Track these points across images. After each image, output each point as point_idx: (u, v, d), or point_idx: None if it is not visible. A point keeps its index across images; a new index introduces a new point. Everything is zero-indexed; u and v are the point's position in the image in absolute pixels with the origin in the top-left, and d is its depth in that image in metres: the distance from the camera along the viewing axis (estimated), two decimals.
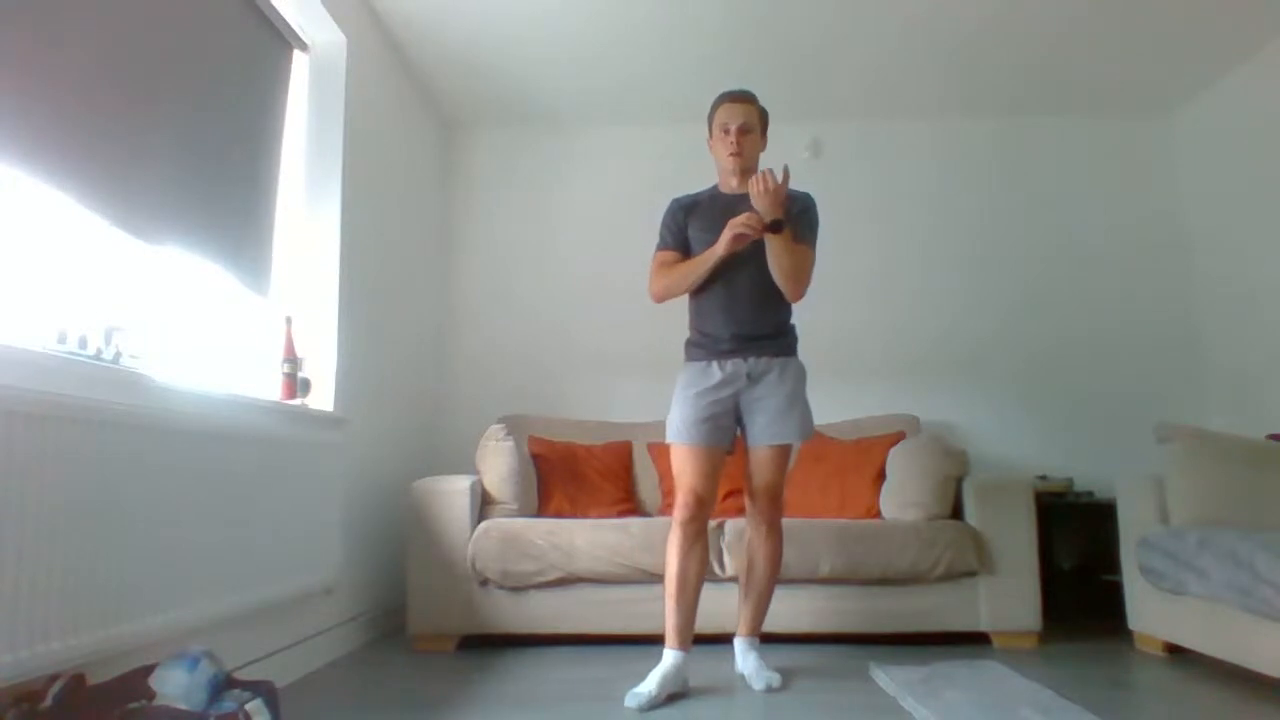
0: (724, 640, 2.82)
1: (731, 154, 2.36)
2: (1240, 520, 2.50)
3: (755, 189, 2.17)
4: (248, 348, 2.57)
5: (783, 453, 2.35)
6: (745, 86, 2.52)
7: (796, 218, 2.31)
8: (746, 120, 2.38)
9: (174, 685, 1.49)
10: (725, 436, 2.33)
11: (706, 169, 4.60)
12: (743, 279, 2.33)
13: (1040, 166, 4.05)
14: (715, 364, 2.35)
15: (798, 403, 2.34)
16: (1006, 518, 2.89)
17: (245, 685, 1.63)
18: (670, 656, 2.24)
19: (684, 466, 2.29)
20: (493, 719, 2.03)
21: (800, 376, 2.40)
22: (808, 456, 3.44)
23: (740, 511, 3.23)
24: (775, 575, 2.43)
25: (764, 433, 2.32)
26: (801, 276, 2.33)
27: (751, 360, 2.34)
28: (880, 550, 2.80)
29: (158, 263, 2.13)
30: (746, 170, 2.37)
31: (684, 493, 2.28)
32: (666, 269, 2.42)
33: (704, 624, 2.81)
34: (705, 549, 2.34)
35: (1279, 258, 3.43)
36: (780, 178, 2.17)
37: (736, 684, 2.37)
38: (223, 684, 1.57)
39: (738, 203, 2.28)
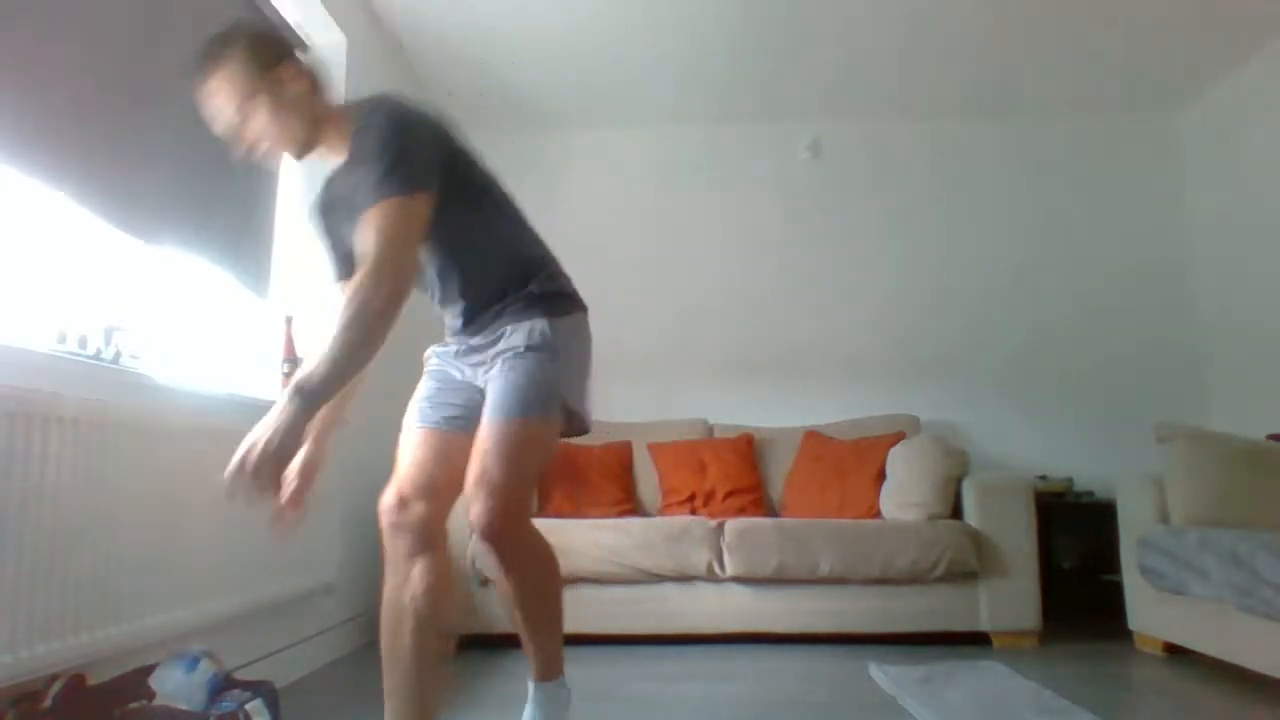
0: (725, 641, 2.83)
1: (267, 150, 1.50)
2: (1240, 520, 2.50)
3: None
4: (248, 348, 2.57)
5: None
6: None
7: (360, 177, 1.41)
8: (236, 99, 1.43)
9: (174, 685, 1.49)
10: None
11: (706, 169, 4.58)
12: None
13: (1040, 166, 4.04)
14: None
15: None
16: (1006, 518, 2.89)
17: (245, 685, 1.63)
18: None
19: (547, 458, 1.67)
20: (493, 719, 2.03)
21: None
22: (808, 456, 3.45)
23: (740, 511, 3.24)
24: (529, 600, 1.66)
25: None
26: (378, 313, 1.35)
27: None
28: (880, 550, 2.80)
29: (158, 263, 2.13)
30: (303, 139, 1.52)
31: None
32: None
33: (703, 624, 2.82)
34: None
35: (1278, 258, 3.42)
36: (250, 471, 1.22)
37: (736, 685, 2.36)
38: (223, 684, 1.57)
39: (340, 179, 1.56)
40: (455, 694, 2.26)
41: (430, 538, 1.53)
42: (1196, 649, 2.45)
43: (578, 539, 2.83)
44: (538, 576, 1.62)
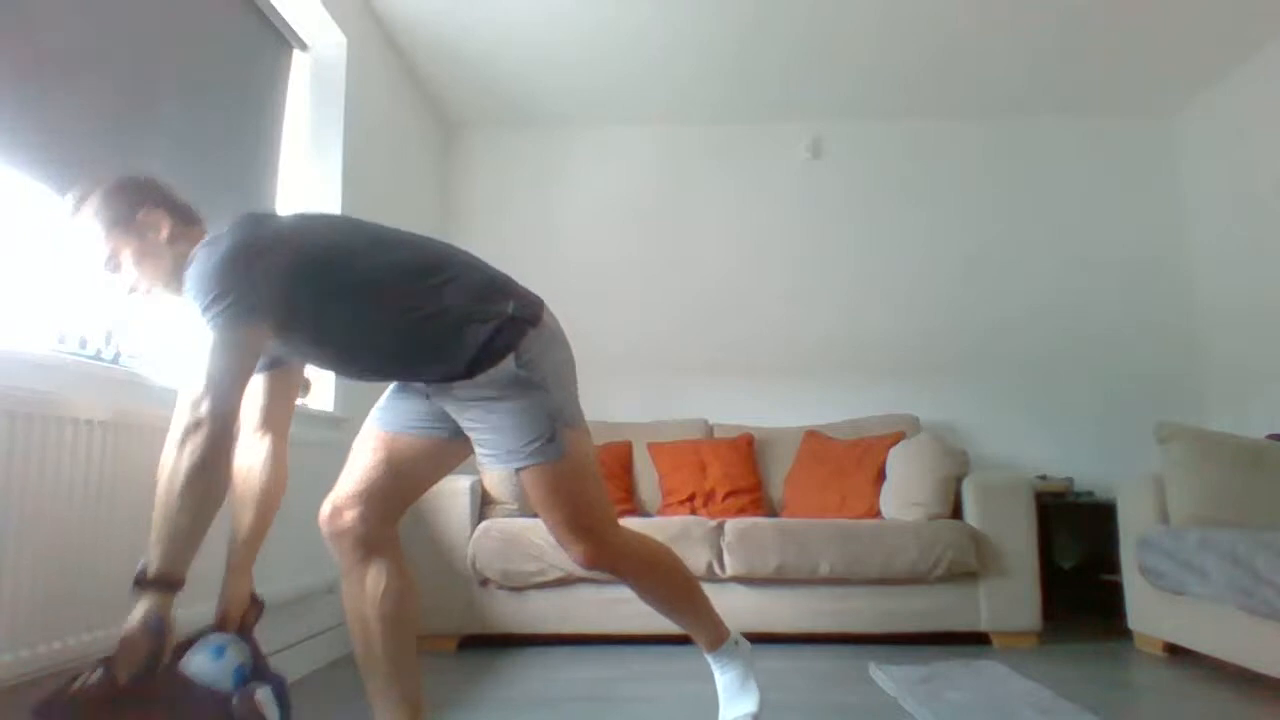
0: None
1: (141, 296, 1.48)
2: (1240, 520, 2.50)
3: None
4: None
5: None
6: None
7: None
8: (107, 245, 1.44)
9: (201, 669, 1.47)
10: None
11: (706, 169, 4.57)
12: None
13: (1040, 167, 4.04)
14: None
15: None
16: (1006, 518, 2.89)
17: (266, 677, 1.61)
18: None
19: (593, 467, 1.61)
20: (493, 719, 2.03)
21: None
22: (808, 456, 3.45)
23: (740, 511, 3.24)
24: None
25: None
26: (191, 481, 1.26)
27: None
28: (880, 550, 2.80)
29: None
30: (178, 281, 1.42)
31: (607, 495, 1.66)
32: None
33: None
34: None
35: (1279, 258, 3.43)
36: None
37: None
38: (249, 673, 1.55)
39: None
40: (456, 694, 2.26)
41: (374, 542, 1.50)
42: (1196, 649, 2.45)
43: None
44: (651, 575, 1.65)
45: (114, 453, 1.59)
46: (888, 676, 2.33)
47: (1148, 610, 2.69)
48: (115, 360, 1.80)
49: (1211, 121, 3.81)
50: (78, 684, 1.23)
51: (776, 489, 3.47)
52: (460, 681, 2.40)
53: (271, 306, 1.33)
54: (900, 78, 3.71)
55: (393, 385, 1.58)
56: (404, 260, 1.45)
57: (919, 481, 2.99)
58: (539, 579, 2.80)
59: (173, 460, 1.25)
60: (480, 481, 3.00)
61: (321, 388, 2.75)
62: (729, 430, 3.62)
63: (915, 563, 2.79)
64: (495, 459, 1.45)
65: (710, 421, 3.68)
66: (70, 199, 1.45)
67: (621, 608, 2.82)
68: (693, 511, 3.23)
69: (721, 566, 2.82)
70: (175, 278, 1.44)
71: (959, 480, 3.01)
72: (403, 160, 3.60)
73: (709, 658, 1.77)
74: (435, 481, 1.61)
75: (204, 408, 1.25)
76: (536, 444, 1.42)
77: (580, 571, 2.79)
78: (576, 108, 3.96)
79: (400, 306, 1.39)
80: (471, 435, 1.47)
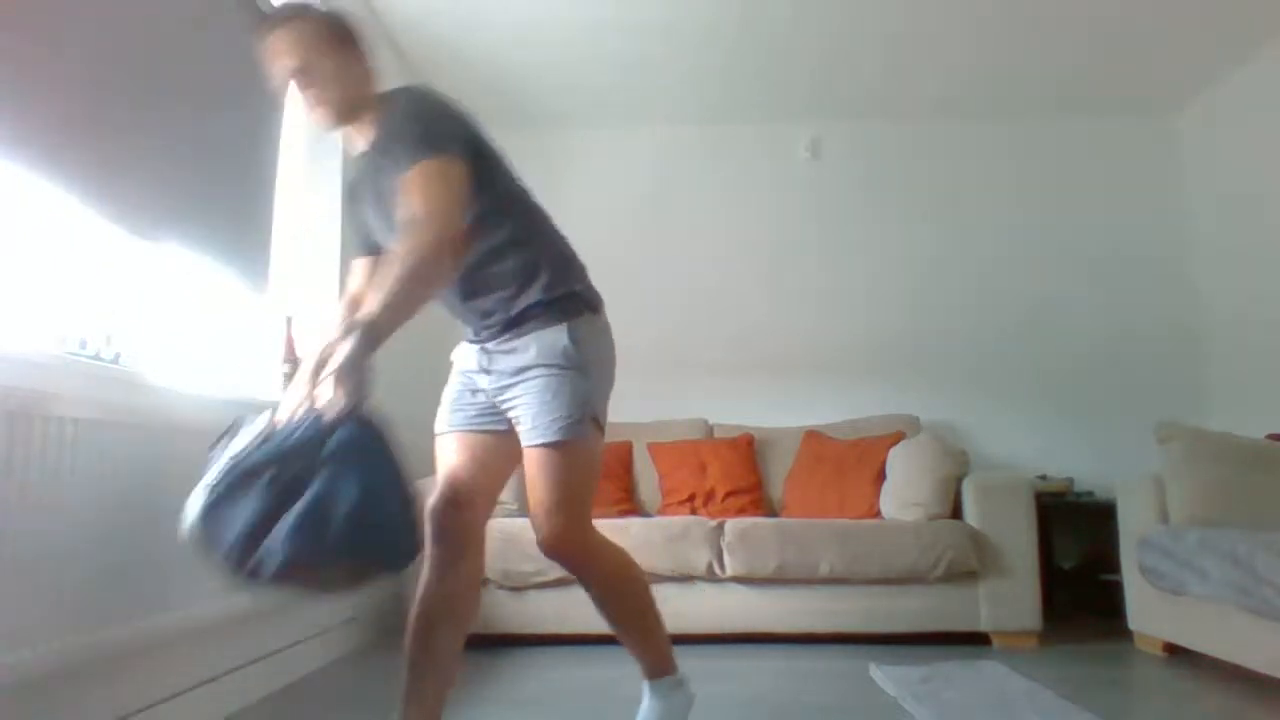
0: (725, 641, 2.83)
1: (312, 107, 1.57)
2: (1240, 520, 2.50)
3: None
4: (248, 348, 2.57)
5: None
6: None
7: (394, 151, 1.46)
8: (305, 52, 1.52)
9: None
10: None
11: (706, 169, 4.58)
12: None
13: (1040, 166, 4.04)
14: None
15: None
16: (1006, 518, 2.89)
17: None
18: None
19: (598, 473, 1.72)
20: (493, 719, 2.03)
21: None
22: (808, 456, 3.45)
23: (740, 511, 3.24)
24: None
25: None
26: (413, 271, 1.35)
27: None
28: (880, 550, 2.80)
29: (157, 263, 2.13)
30: (347, 111, 1.57)
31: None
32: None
33: (703, 624, 2.82)
34: None
35: (1279, 258, 3.43)
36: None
37: (736, 685, 2.36)
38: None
39: (364, 164, 1.63)
40: (456, 694, 2.26)
41: (474, 540, 1.58)
42: (1196, 649, 2.45)
43: None
44: (611, 584, 1.65)
45: (114, 453, 1.59)
46: (888, 676, 2.33)
47: (1148, 610, 2.69)
48: (115, 360, 1.80)
49: (1212, 121, 3.81)
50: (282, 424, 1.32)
51: (776, 489, 3.47)
52: (460, 681, 2.40)
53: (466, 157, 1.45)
54: (900, 78, 3.71)
55: (451, 392, 1.70)
56: (537, 209, 1.67)
57: (919, 481, 2.99)
58: (539, 579, 2.80)
59: (425, 251, 1.35)
60: None
61: (321, 388, 2.75)
62: (729, 430, 3.61)
63: (915, 563, 2.79)
64: (525, 435, 1.53)
65: (710, 421, 3.68)
66: (278, 16, 1.57)
67: None
68: (693, 511, 3.23)
69: (721, 566, 2.82)
70: (342, 110, 1.56)
71: (959, 480, 3.01)
72: None
73: (646, 684, 1.73)
74: (507, 476, 1.68)
75: (432, 220, 1.35)
76: (563, 421, 1.50)
77: None
78: (576, 108, 3.96)
79: (532, 241, 1.59)
80: (510, 414, 1.57)
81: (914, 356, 3.92)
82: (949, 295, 3.96)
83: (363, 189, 1.63)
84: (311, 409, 1.32)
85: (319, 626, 2.59)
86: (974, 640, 2.84)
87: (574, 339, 1.55)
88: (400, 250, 1.36)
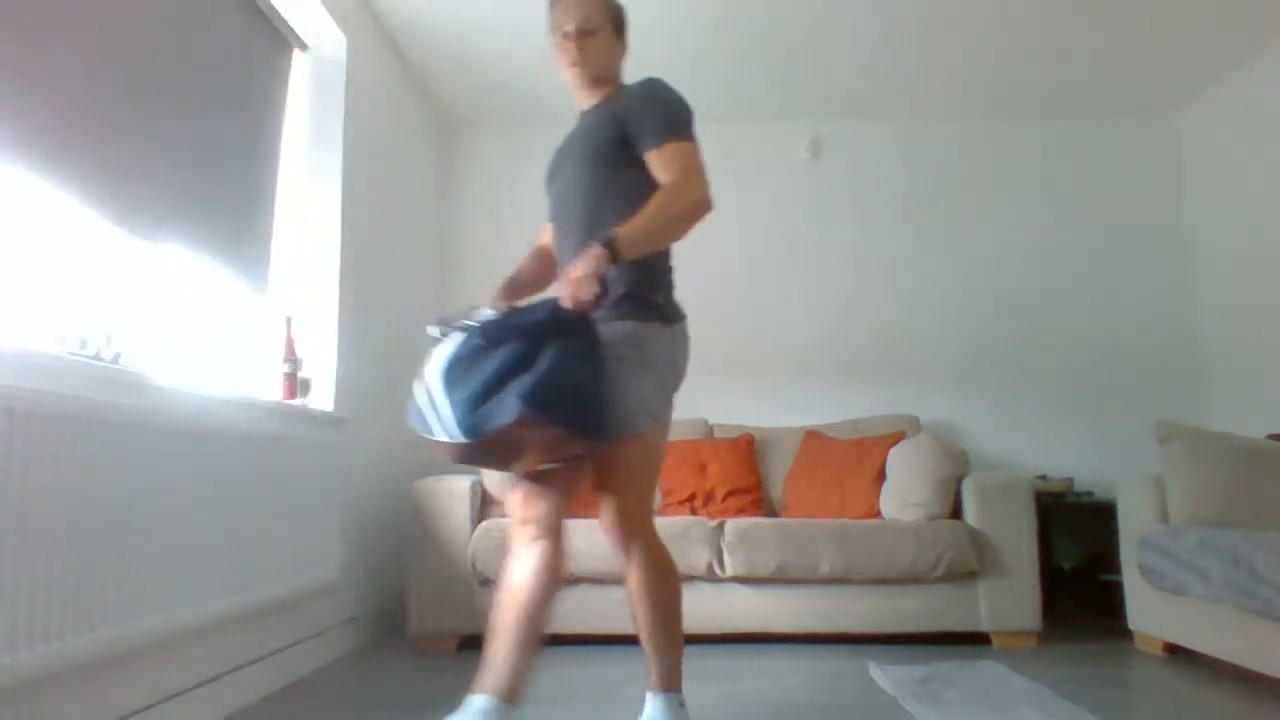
0: (725, 641, 2.83)
1: (572, 64, 1.82)
2: (1240, 520, 2.50)
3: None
4: (248, 348, 2.57)
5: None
6: (756, 94, 2.44)
7: (636, 117, 1.73)
8: (586, 17, 1.81)
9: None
10: None
11: (706, 168, 4.55)
12: None
13: (1040, 166, 4.04)
14: None
15: None
16: (1006, 518, 2.89)
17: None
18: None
19: (658, 469, 1.82)
20: None
21: None
22: (808, 456, 3.45)
23: (740, 511, 3.24)
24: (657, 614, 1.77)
25: None
26: (678, 215, 1.63)
27: None
28: (880, 550, 2.80)
29: (158, 263, 2.13)
30: (599, 79, 1.84)
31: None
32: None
33: (703, 624, 2.82)
34: None
35: (1279, 258, 3.43)
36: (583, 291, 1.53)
37: (736, 684, 2.36)
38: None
39: (584, 122, 1.87)
40: (456, 694, 2.26)
41: (554, 528, 1.69)
42: (1196, 649, 2.45)
43: (578, 538, 2.80)
44: (648, 577, 1.73)
45: (114, 453, 1.59)
46: (888, 676, 2.33)
47: (1147, 610, 2.69)
48: (115, 360, 1.80)
49: (1213, 120, 3.81)
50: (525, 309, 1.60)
51: (776, 489, 3.47)
52: (460, 681, 2.39)
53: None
54: (900, 78, 3.71)
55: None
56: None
57: (919, 481, 2.99)
58: None
59: (680, 207, 1.62)
60: (480, 482, 3.00)
61: (321, 388, 2.75)
62: (729, 430, 3.61)
63: (915, 563, 2.79)
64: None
65: (710, 421, 3.68)
66: None
67: (622, 608, 2.81)
68: (693, 511, 3.23)
69: (721, 566, 2.82)
70: (599, 76, 1.84)
71: (959, 480, 3.01)
72: (403, 160, 3.60)
73: (650, 692, 1.79)
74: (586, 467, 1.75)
75: (699, 186, 1.64)
76: (622, 418, 1.63)
77: (579, 571, 2.79)
78: (576, 107, 3.95)
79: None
80: None
81: (915, 357, 3.92)
82: (949, 295, 3.96)
83: (571, 142, 1.89)
84: (551, 299, 1.57)
85: (319, 626, 2.59)
86: (974, 640, 2.84)
87: (642, 335, 1.71)
88: (665, 190, 1.62)
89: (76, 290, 1.85)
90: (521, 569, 1.61)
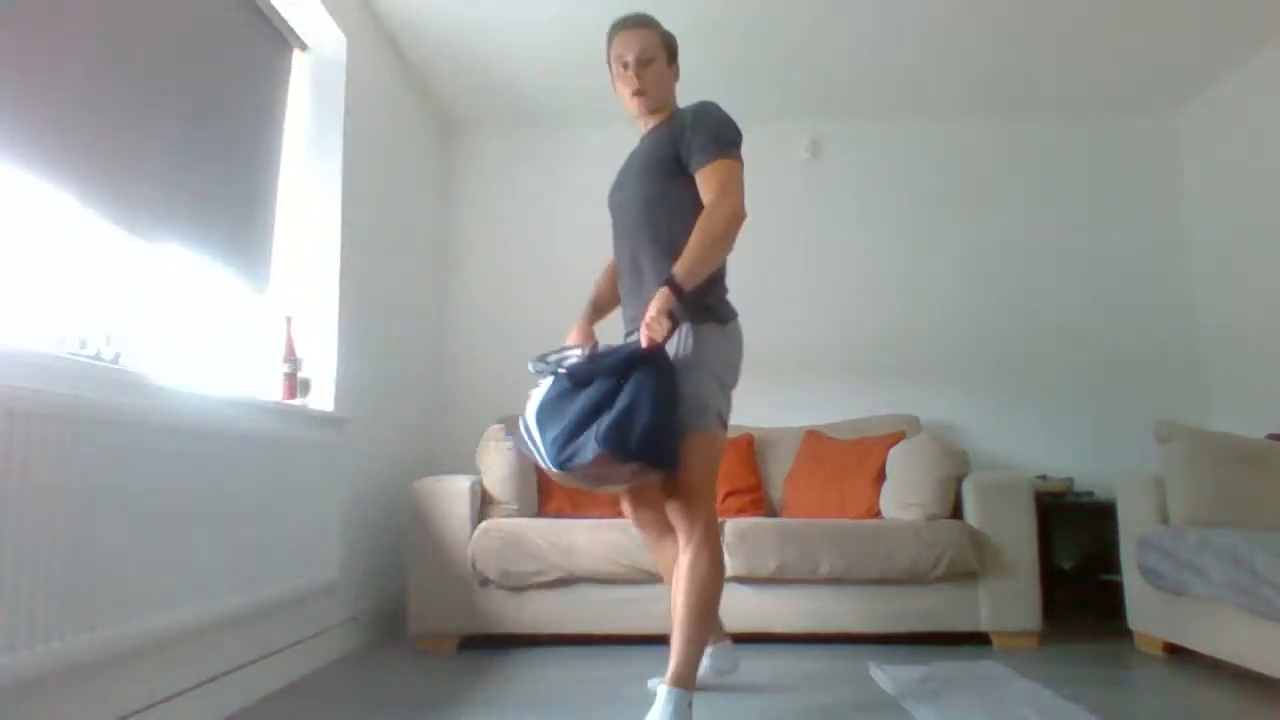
0: None
1: (634, 93, 2.01)
2: (1240, 520, 2.50)
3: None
4: (247, 348, 2.57)
5: None
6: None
7: (687, 138, 1.92)
8: (644, 49, 2.00)
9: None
10: None
11: None
12: None
13: (1040, 166, 4.04)
14: None
15: None
16: (1006, 518, 2.89)
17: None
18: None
19: (719, 463, 1.97)
20: (493, 719, 2.03)
21: None
22: (808, 456, 3.45)
23: (741, 511, 3.24)
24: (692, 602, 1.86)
25: None
26: (719, 233, 1.83)
27: None
28: (880, 550, 2.80)
29: (158, 263, 2.13)
30: (658, 109, 2.05)
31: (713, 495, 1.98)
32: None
33: None
34: None
35: (1279, 258, 3.43)
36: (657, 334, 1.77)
37: (735, 685, 2.36)
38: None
39: (643, 144, 2.07)
40: (456, 694, 2.25)
41: (664, 526, 2.03)
42: (1196, 649, 2.45)
43: (579, 538, 2.83)
44: (696, 568, 1.85)
45: (114, 453, 1.59)
46: (888, 676, 2.34)
47: (1147, 610, 2.69)
48: (115, 360, 1.80)
49: (1212, 120, 3.81)
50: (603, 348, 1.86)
51: (776, 489, 3.47)
52: (460, 681, 2.40)
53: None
54: (900, 78, 3.71)
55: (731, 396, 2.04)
56: None
57: (919, 481, 2.99)
58: (539, 579, 2.80)
59: (729, 218, 1.83)
60: (480, 481, 3.00)
61: (321, 388, 2.75)
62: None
63: (915, 563, 2.79)
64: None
65: None
66: (646, 16, 2.07)
67: (621, 608, 2.83)
68: None
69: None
70: (655, 104, 2.05)
71: (959, 480, 3.01)
72: (403, 160, 3.60)
73: (662, 686, 1.82)
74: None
75: (733, 200, 1.84)
76: (686, 418, 1.83)
77: (580, 571, 2.79)
78: (576, 107, 3.96)
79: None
80: None
81: (914, 356, 3.92)
82: (949, 295, 3.96)
83: (631, 162, 2.11)
84: (631, 343, 1.82)
85: (319, 626, 2.59)
86: (974, 640, 2.84)
87: (697, 337, 1.88)
88: (705, 212, 1.83)
89: (76, 290, 1.85)
90: (669, 569, 1.99)
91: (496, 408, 3.77)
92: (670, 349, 1.84)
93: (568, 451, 1.68)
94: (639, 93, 2.00)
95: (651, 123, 2.06)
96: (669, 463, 1.75)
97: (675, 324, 1.81)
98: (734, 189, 1.85)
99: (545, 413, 1.78)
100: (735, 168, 1.89)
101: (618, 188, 2.14)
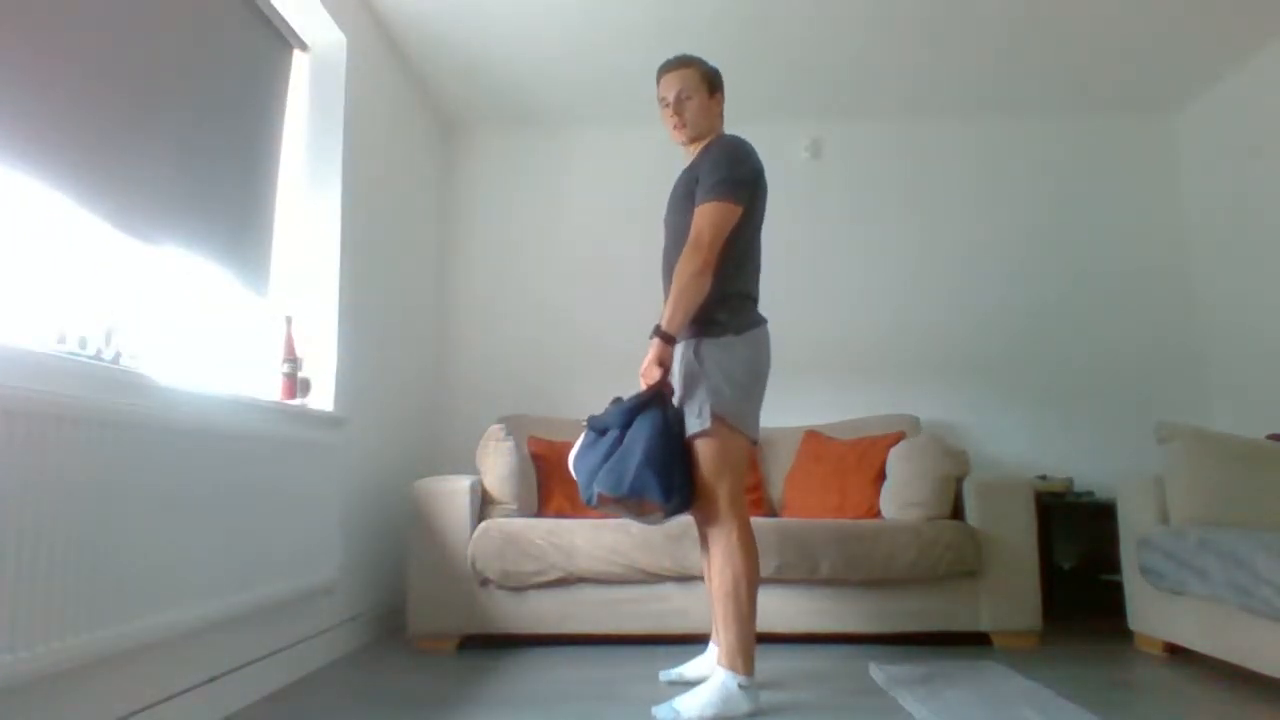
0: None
1: (675, 127, 2.27)
2: (1240, 520, 2.50)
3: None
4: (248, 348, 2.57)
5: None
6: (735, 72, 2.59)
7: (700, 174, 2.15)
8: (682, 88, 2.24)
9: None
10: None
11: None
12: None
13: (1040, 166, 4.04)
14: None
15: None
16: (1006, 518, 2.89)
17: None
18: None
19: (740, 461, 2.11)
20: (493, 719, 2.03)
21: None
22: (808, 456, 3.45)
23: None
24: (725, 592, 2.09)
25: None
26: (685, 285, 2.06)
27: None
28: (880, 550, 2.80)
29: (157, 263, 2.13)
30: (698, 136, 2.27)
31: (741, 494, 2.12)
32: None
33: (704, 624, 2.82)
34: None
35: (1279, 258, 3.43)
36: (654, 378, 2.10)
37: None
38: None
39: (683, 176, 2.26)
40: (456, 694, 2.25)
41: (705, 535, 2.21)
42: (1196, 649, 2.45)
43: (579, 538, 2.83)
44: (724, 569, 2.08)
45: (114, 453, 1.59)
46: (888, 676, 2.34)
47: (1148, 610, 2.69)
48: (115, 360, 1.80)
49: (1212, 120, 3.81)
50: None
51: (776, 489, 3.47)
52: (460, 681, 2.40)
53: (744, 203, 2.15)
54: (900, 78, 3.71)
55: (759, 402, 2.20)
56: (750, 251, 2.29)
57: (919, 481, 2.99)
58: (539, 579, 2.80)
59: (692, 271, 2.04)
60: (480, 481, 3.00)
61: (321, 388, 2.75)
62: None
63: (915, 563, 2.79)
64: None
65: None
66: (687, 56, 2.28)
67: (621, 608, 2.83)
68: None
69: None
70: (695, 136, 2.26)
71: (959, 480, 3.01)
72: (403, 160, 3.60)
73: (718, 665, 2.08)
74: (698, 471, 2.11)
75: (703, 252, 2.05)
76: (693, 422, 2.05)
77: (580, 572, 2.79)
78: (576, 107, 3.96)
79: (724, 278, 2.15)
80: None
81: (914, 356, 3.92)
82: (949, 295, 3.96)
83: (676, 187, 2.26)
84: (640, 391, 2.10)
85: (319, 626, 2.59)
86: (974, 640, 2.84)
87: (703, 348, 2.09)
88: (679, 268, 2.05)
89: (76, 290, 1.85)
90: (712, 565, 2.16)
91: (496, 407, 3.77)
92: (675, 368, 2.12)
93: (589, 491, 2.03)
94: (678, 127, 2.26)
95: (692, 152, 2.27)
96: (663, 497, 1.95)
97: (666, 371, 2.10)
98: (708, 234, 2.05)
99: (578, 459, 2.12)
100: (722, 209, 2.07)
101: (667, 209, 2.31)
